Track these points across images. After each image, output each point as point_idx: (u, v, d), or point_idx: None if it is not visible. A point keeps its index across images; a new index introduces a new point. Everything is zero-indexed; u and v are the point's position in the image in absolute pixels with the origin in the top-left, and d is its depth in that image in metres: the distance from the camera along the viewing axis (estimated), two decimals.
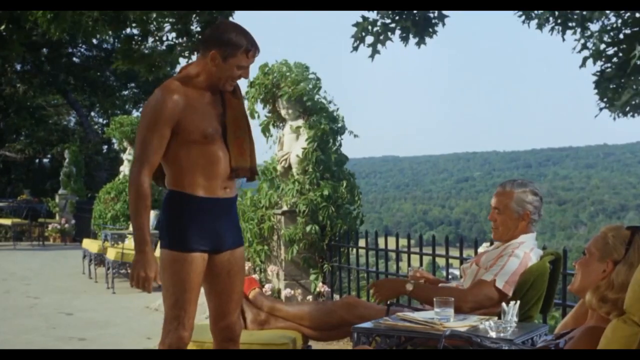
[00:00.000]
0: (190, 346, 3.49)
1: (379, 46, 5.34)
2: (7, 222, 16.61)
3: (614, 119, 5.67)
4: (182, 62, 6.84)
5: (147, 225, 3.27)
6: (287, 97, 7.69)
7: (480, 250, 4.29)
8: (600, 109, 5.63)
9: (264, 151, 8.37)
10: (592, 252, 2.53)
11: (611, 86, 5.39)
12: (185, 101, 3.31)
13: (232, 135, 3.40)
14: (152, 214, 11.25)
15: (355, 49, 5.25)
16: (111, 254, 10.17)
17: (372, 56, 5.29)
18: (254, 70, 8.06)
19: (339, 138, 7.87)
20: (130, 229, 11.34)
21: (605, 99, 5.42)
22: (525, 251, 3.76)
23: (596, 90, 5.51)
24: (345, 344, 6.10)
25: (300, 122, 7.83)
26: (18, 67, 22.91)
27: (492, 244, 4.20)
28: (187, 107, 3.31)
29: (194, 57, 6.29)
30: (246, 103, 8.06)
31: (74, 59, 24.28)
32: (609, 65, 5.41)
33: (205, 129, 3.34)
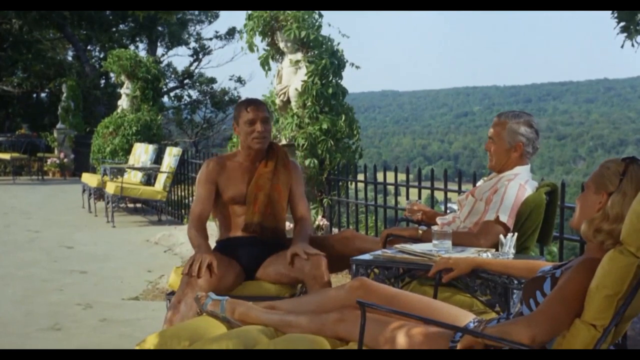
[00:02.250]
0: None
1: None
2: (6, 156, 16.59)
3: (633, 45, 5.48)
4: None
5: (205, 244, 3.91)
6: (290, 34, 7.61)
7: (479, 184, 4.29)
8: (624, 40, 5.45)
9: (260, 83, 8.36)
10: (589, 186, 2.53)
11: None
12: (221, 168, 4.13)
13: (251, 197, 4.07)
14: (151, 148, 11.25)
15: None
16: (110, 188, 10.20)
17: None
18: None
19: (339, 72, 7.82)
20: (130, 163, 11.40)
21: (623, 23, 5.23)
22: (521, 183, 3.75)
23: (614, 15, 5.31)
24: (343, 277, 6.17)
25: (299, 55, 7.77)
26: None
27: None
28: (222, 174, 4.12)
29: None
30: (244, 36, 8.00)
31: None
32: None
33: (231, 193, 4.09)
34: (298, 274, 3.80)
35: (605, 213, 2.44)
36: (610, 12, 5.15)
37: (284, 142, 7.67)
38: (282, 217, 4.17)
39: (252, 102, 4.20)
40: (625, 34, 5.11)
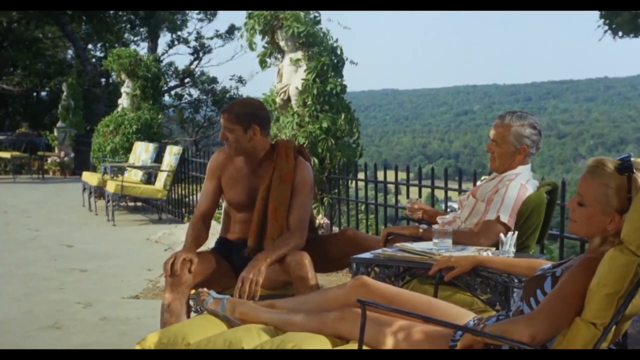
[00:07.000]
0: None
1: None
2: (6, 155, 16.60)
3: (615, 38, 5.52)
4: None
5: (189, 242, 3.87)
6: (289, 31, 7.61)
7: (479, 183, 4.29)
8: (605, 32, 5.50)
9: (260, 82, 8.40)
10: (594, 205, 2.45)
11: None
12: (228, 162, 3.99)
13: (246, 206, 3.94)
14: (152, 147, 11.25)
15: None
16: (111, 187, 10.19)
17: None
18: None
19: (339, 70, 7.83)
20: (130, 162, 11.39)
21: (607, 20, 5.28)
22: (522, 183, 3.74)
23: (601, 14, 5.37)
24: (344, 275, 6.17)
25: (299, 54, 7.77)
26: None
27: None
28: (228, 170, 3.98)
29: None
30: (245, 35, 8.00)
31: None
32: None
33: (230, 196, 3.98)
34: (285, 277, 3.74)
35: (619, 231, 2.38)
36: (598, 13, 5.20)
37: None
38: (281, 225, 3.87)
39: (224, 109, 3.96)
40: (610, 31, 5.14)
